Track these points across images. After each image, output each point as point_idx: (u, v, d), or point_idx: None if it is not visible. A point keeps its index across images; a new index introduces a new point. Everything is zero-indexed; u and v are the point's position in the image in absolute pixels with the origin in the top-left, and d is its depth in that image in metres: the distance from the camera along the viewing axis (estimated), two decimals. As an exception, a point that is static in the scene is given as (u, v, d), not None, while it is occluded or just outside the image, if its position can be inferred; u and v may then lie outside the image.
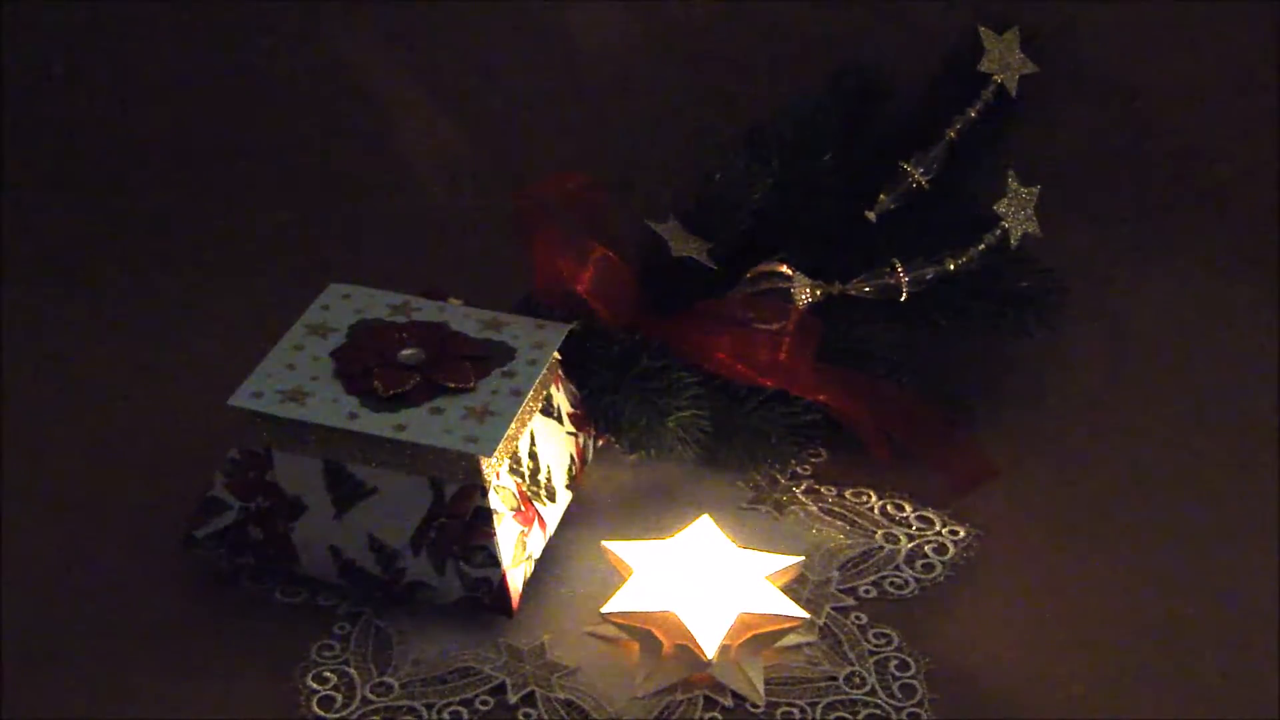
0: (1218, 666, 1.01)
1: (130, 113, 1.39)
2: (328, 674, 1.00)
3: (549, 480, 1.07)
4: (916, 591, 1.07)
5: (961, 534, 1.11)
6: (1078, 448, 1.19)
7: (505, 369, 1.05)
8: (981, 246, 1.17)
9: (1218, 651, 1.02)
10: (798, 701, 0.98)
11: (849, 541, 1.10)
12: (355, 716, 0.97)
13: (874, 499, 1.14)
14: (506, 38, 1.39)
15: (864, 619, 1.04)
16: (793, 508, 1.13)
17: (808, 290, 1.16)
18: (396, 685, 0.99)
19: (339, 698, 0.98)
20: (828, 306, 1.16)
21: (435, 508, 1.01)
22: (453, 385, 1.02)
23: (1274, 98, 1.36)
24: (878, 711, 0.98)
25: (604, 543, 1.04)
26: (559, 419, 1.09)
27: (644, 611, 0.99)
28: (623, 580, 1.02)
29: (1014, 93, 1.22)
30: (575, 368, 1.12)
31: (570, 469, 1.09)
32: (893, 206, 1.21)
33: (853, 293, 1.17)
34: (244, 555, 1.04)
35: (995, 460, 1.15)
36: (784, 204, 1.20)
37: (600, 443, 1.15)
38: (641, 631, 0.99)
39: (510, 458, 1.03)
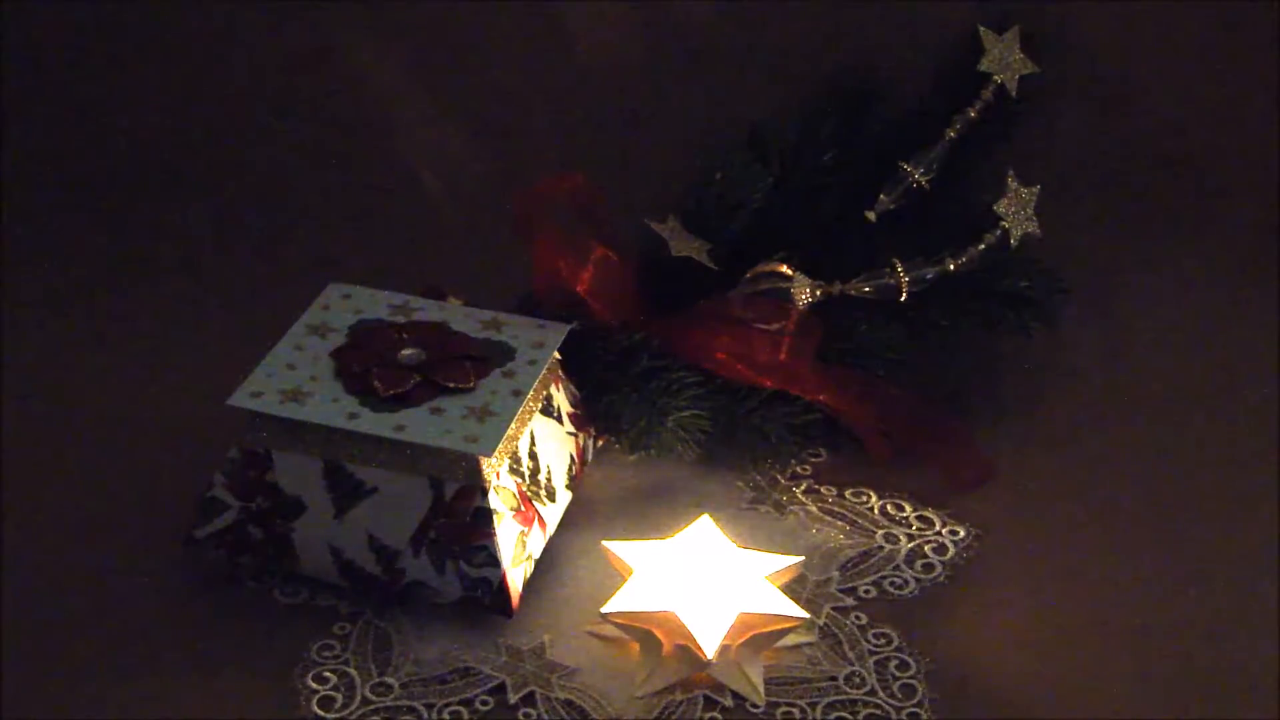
0: (1218, 666, 1.01)
1: (130, 113, 1.39)
2: (328, 674, 1.00)
3: (549, 480, 1.07)
4: (916, 591, 1.07)
5: (961, 534, 1.11)
6: (1078, 448, 1.19)
7: (505, 369, 1.05)
8: (981, 246, 1.17)
9: (1218, 651, 1.02)
10: (798, 701, 0.98)
11: (849, 541, 1.10)
12: (355, 716, 0.97)
13: (874, 499, 1.14)
14: (506, 38, 1.39)
15: (864, 619, 1.04)
16: (793, 508, 1.13)
17: (808, 290, 1.16)
18: (396, 685, 0.99)
19: (339, 698, 0.98)
20: (828, 306, 1.16)
21: (435, 508, 1.01)
22: (453, 385, 1.03)
23: (1274, 98, 1.36)
24: (878, 711, 0.98)
25: (604, 543, 1.04)
26: (559, 419, 1.09)
27: (644, 611, 0.99)
28: (623, 580, 1.02)
29: (1014, 93, 1.22)
30: (575, 368, 1.12)
31: (570, 469, 1.09)
32: (893, 206, 1.21)
33: (853, 293, 1.17)
34: (244, 555, 1.04)
35: (995, 460, 1.15)
36: (784, 204, 1.21)
37: (600, 443, 1.15)
38: (641, 631, 0.99)
39: (510, 458, 1.03)
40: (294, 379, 1.03)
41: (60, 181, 1.38)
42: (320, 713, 0.97)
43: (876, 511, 1.13)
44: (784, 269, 1.16)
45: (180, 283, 1.33)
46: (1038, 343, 1.22)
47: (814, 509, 1.13)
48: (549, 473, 1.07)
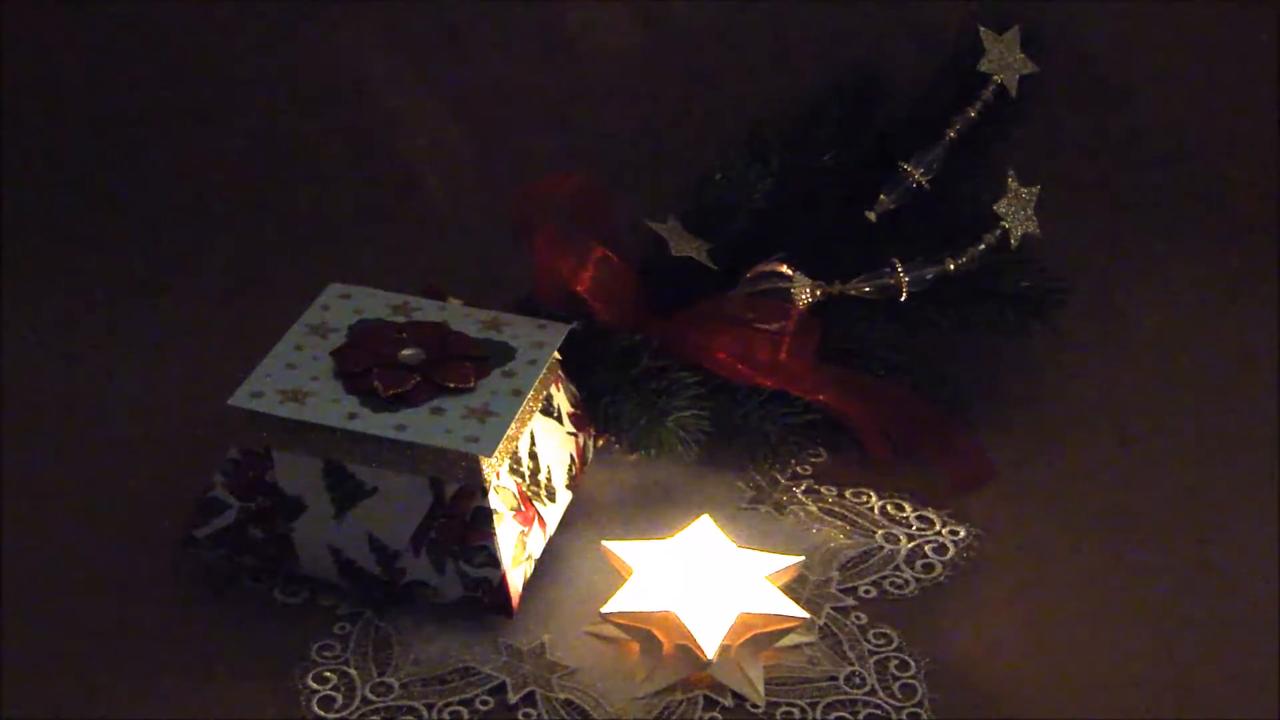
0: (1218, 666, 1.01)
1: (131, 112, 1.39)
2: (328, 674, 1.00)
3: (549, 480, 1.07)
4: (916, 591, 1.07)
5: (961, 534, 1.11)
6: (1078, 448, 1.19)
7: (505, 369, 1.05)
8: (981, 246, 1.17)
9: (1218, 651, 1.02)
10: (798, 701, 0.98)
11: (849, 541, 1.10)
12: (355, 716, 0.97)
13: (874, 499, 1.14)
14: (507, 38, 1.39)
15: (864, 619, 1.04)
16: (793, 508, 1.13)
17: (808, 290, 1.16)
18: (396, 685, 0.99)
19: (339, 698, 0.98)
20: (828, 306, 1.16)
21: (435, 508, 1.01)
22: (453, 385, 1.02)
23: (1274, 98, 1.37)
24: (878, 711, 0.98)
25: (604, 543, 1.04)
26: (559, 419, 1.09)
27: (644, 611, 0.99)
28: (623, 580, 1.02)
29: (1014, 93, 1.22)
30: (575, 368, 1.12)
31: (570, 469, 1.09)
32: (893, 206, 1.21)
33: (853, 293, 1.17)
34: (244, 555, 1.04)
35: (995, 460, 1.15)
36: (784, 204, 1.20)
37: (600, 443, 1.15)
38: (641, 631, 0.99)
39: (510, 458, 1.03)
40: (294, 379, 1.03)
41: (60, 181, 1.38)
42: (320, 713, 0.97)
43: (876, 511, 1.13)
44: (784, 269, 1.16)
45: (180, 283, 1.33)
46: (1038, 343, 1.22)
47: (814, 509, 1.13)
48: (549, 473, 1.07)
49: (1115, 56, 1.37)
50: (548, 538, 1.06)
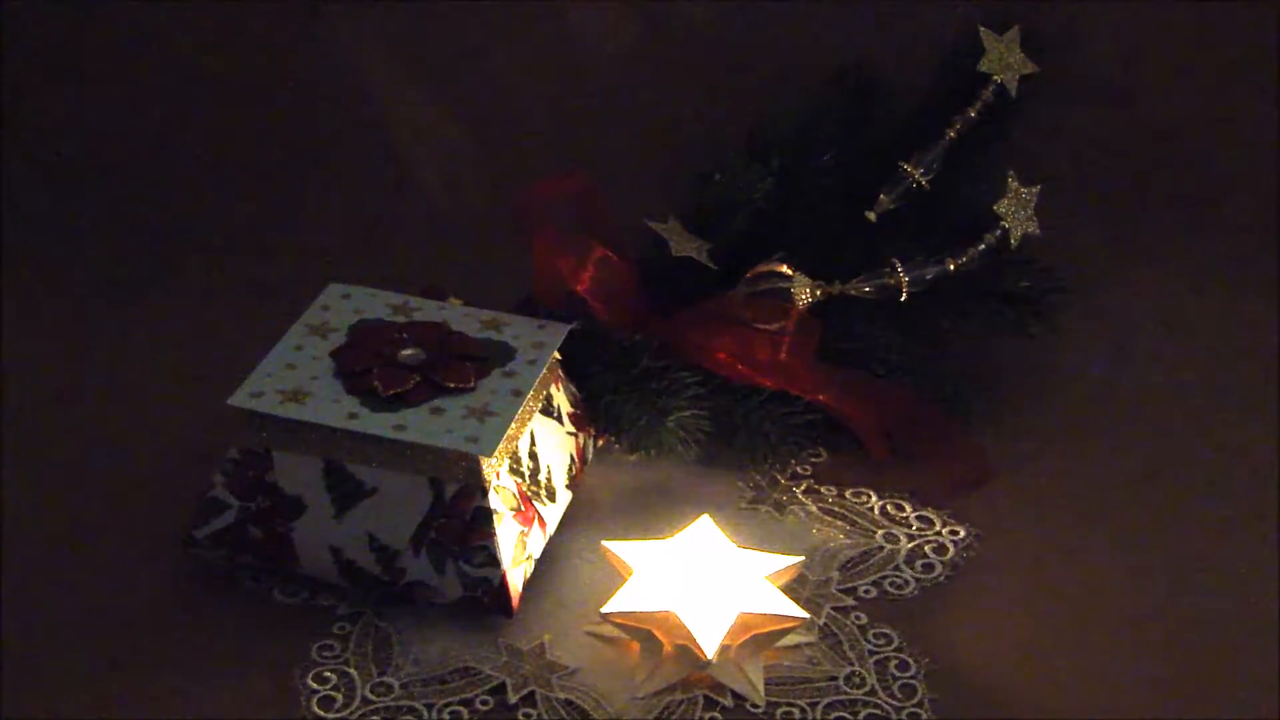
0: (1218, 666, 1.01)
1: (131, 112, 1.39)
2: (328, 674, 1.00)
3: (549, 480, 1.07)
4: (916, 591, 1.07)
5: (961, 534, 1.11)
6: (1078, 448, 1.19)
7: (505, 369, 1.05)
8: (981, 246, 1.18)
9: (1218, 651, 1.02)
10: (798, 701, 0.98)
11: (849, 541, 1.10)
12: (355, 716, 0.97)
13: (874, 499, 1.14)
14: (506, 38, 1.39)
15: (864, 619, 1.04)
16: (793, 508, 1.13)
17: (808, 290, 1.16)
18: (396, 685, 0.99)
19: (339, 698, 0.98)
20: (828, 306, 1.16)
21: (435, 508, 1.01)
22: (453, 385, 1.03)
23: (1274, 98, 1.37)
24: (878, 711, 0.98)
25: (604, 543, 1.04)
26: (559, 419, 1.09)
27: (644, 611, 0.99)
28: (623, 580, 1.02)
29: (1014, 93, 1.22)
30: (575, 368, 1.12)
31: (570, 469, 1.09)
32: (893, 206, 1.21)
33: (853, 293, 1.17)
34: (244, 555, 1.04)
35: (995, 460, 1.15)
36: (784, 204, 1.21)
37: (600, 443, 1.15)
38: (641, 631, 0.99)
39: (510, 458, 1.03)
40: (294, 379, 1.03)
41: (59, 182, 1.38)
42: (320, 713, 0.97)
43: (876, 511, 1.13)
44: (784, 269, 1.16)
45: (180, 283, 1.33)
46: (1038, 343, 1.22)
47: (814, 509, 1.13)
48: (549, 473, 1.07)
49: (1116, 57, 1.37)
50: (548, 538, 1.06)
